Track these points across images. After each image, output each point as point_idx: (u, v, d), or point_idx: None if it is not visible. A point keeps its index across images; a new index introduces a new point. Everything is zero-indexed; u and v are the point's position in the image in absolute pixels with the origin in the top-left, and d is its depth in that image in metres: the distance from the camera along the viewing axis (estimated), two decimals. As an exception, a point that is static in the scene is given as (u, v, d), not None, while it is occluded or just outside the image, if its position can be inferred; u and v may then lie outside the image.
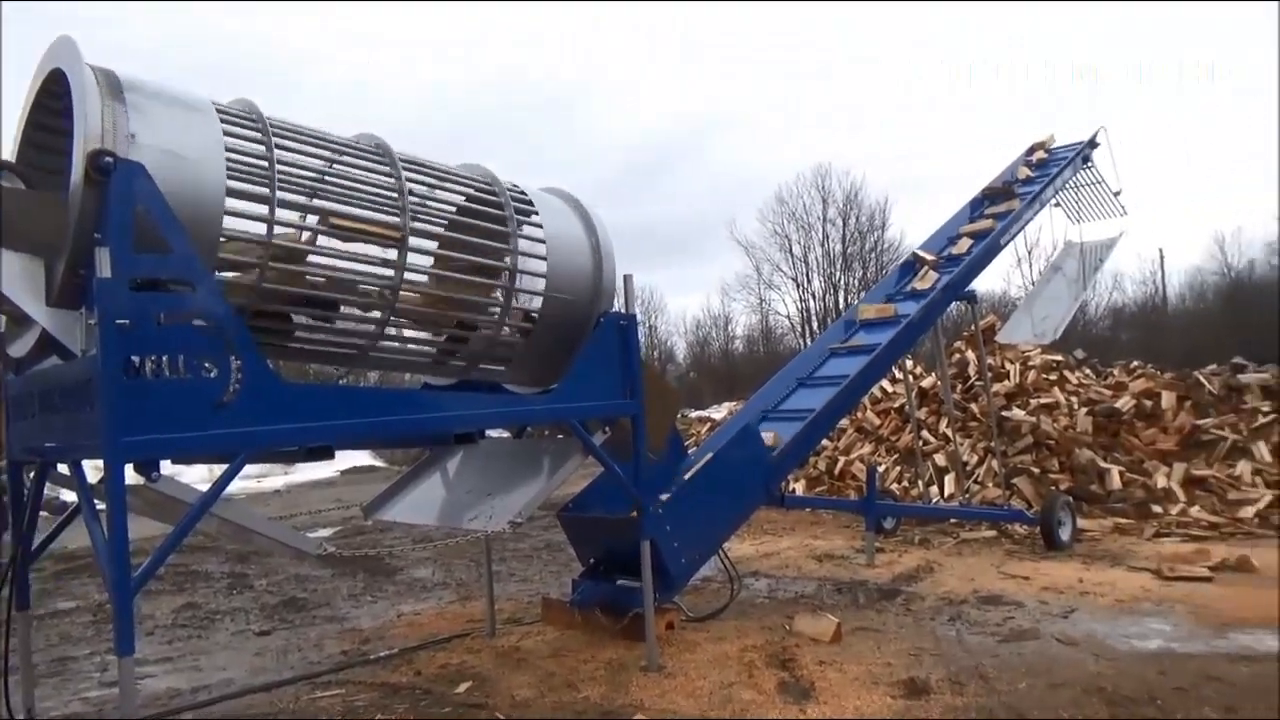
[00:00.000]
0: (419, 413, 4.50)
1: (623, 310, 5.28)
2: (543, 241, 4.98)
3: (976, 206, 10.39)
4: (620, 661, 5.24)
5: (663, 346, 46.95)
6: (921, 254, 9.60)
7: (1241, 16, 54.09)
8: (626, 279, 5.29)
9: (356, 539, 11.19)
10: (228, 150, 3.70)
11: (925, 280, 9.07)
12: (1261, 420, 10.96)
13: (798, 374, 8.32)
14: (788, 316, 44.24)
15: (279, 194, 3.89)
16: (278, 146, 3.97)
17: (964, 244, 9.53)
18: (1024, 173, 10.87)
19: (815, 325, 40.66)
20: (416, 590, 8.05)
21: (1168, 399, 11.46)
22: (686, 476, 5.96)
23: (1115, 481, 10.17)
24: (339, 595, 7.97)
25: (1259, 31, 57.50)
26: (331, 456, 4.48)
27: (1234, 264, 36.34)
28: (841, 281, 42.30)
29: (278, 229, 3.96)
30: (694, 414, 24.93)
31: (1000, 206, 10.03)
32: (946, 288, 8.51)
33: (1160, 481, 10.14)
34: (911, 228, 41.18)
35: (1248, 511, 9.39)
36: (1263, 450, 10.47)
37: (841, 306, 38.30)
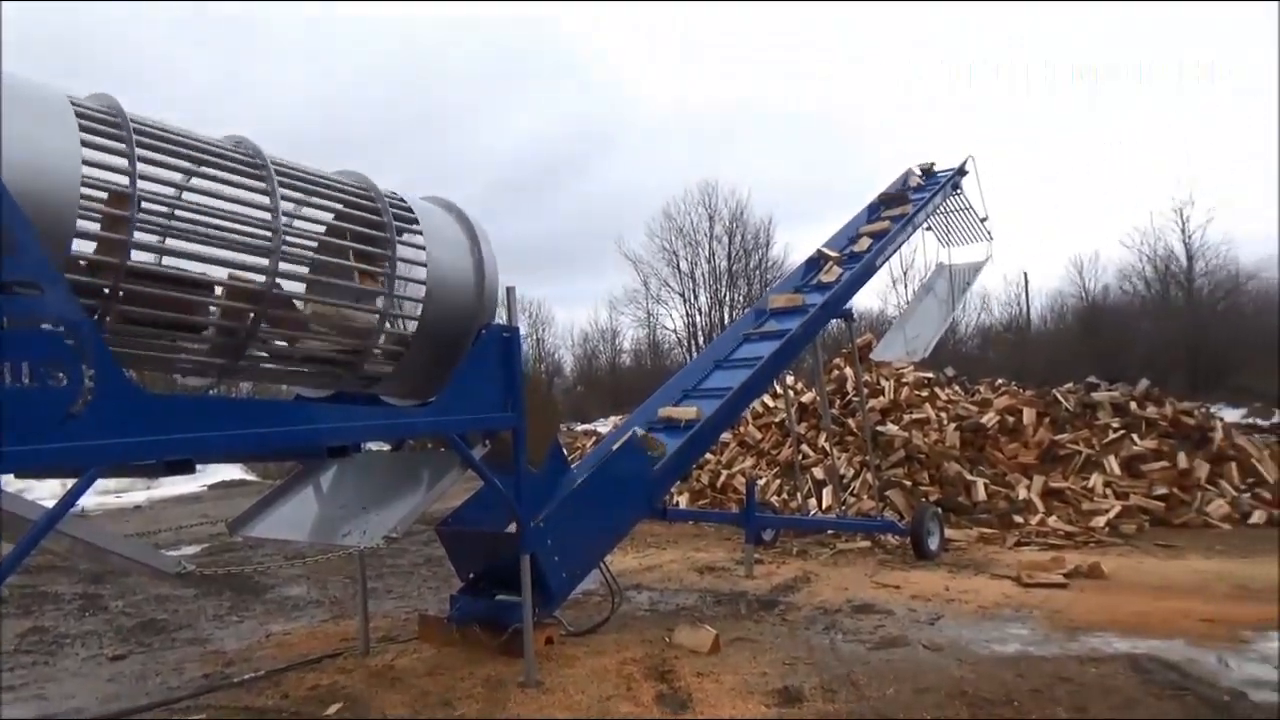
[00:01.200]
0: (289, 425, 4.33)
1: (505, 322, 5.23)
2: (423, 249, 4.89)
3: (874, 210, 10.93)
4: (498, 678, 5.16)
5: (550, 359, 46.78)
6: (826, 251, 10.07)
7: (1241, 16, 53.52)
8: (509, 291, 5.24)
9: (224, 556, 10.70)
10: (84, 144, 3.49)
11: (830, 274, 9.58)
12: (1112, 435, 11.73)
13: (714, 357, 8.85)
14: (674, 331, 44.79)
15: (140, 196, 3.70)
16: (140, 147, 3.76)
17: (864, 242, 10.08)
18: (915, 180, 11.57)
19: (701, 340, 41.24)
20: (287, 609, 7.75)
21: (1028, 415, 12.13)
22: (568, 490, 5.93)
23: (980, 493, 10.67)
24: (203, 616, 7.59)
25: (1259, 31, 56.89)
26: (192, 470, 4.27)
27: (1090, 288, 38.71)
28: (727, 298, 43.11)
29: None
30: (580, 427, 24.89)
31: (895, 210, 10.64)
32: (830, 305, 8.95)
33: (1021, 493, 10.70)
34: (796, 246, 41.88)
35: (1099, 521, 10.02)
36: (1113, 464, 11.19)
37: (726, 322, 38.98)
